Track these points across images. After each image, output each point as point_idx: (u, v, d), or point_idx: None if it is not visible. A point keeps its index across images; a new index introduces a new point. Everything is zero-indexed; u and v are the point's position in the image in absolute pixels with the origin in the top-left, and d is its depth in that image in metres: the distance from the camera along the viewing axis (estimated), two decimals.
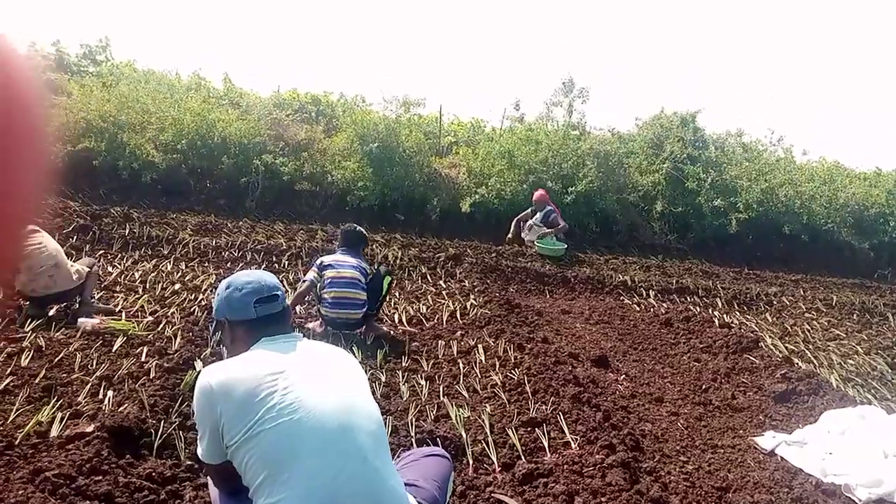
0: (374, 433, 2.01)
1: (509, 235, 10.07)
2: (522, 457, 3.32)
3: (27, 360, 3.82)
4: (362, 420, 1.98)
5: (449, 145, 13.62)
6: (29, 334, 4.25)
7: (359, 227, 5.44)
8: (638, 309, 7.39)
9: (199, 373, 3.71)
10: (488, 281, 7.49)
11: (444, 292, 6.86)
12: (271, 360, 2.01)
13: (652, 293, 8.04)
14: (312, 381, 1.98)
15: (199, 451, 2.03)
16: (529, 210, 10.01)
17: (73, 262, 4.89)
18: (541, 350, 4.98)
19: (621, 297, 7.87)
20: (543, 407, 3.94)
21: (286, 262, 7.32)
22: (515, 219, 10.16)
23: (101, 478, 2.56)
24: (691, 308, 7.45)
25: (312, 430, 1.87)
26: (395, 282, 5.72)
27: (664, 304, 7.64)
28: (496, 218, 10.77)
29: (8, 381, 3.49)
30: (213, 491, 2.22)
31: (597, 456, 3.25)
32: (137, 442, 2.94)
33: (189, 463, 2.84)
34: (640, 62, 42.95)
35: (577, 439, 3.49)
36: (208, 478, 2.32)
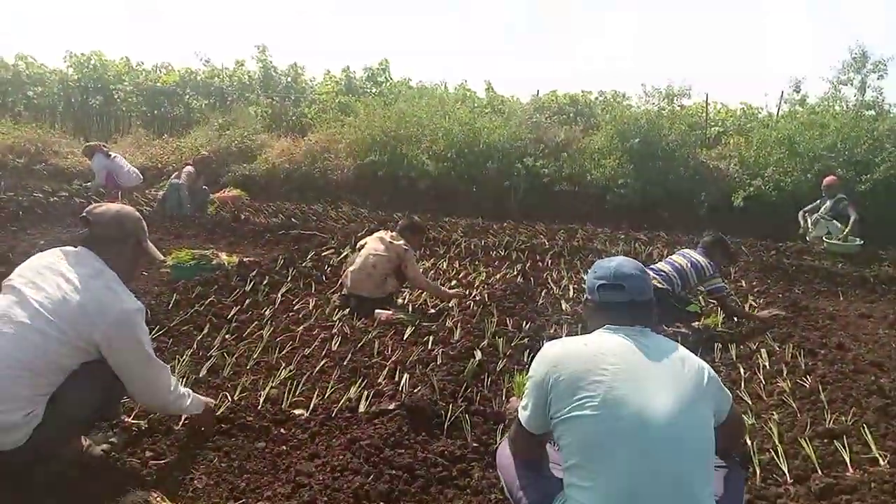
0: (699, 454, 1.92)
1: (801, 230, 9.06)
2: (819, 470, 3.00)
3: (336, 346, 4.44)
4: (689, 437, 1.90)
5: (717, 135, 12.81)
6: (337, 322, 4.93)
7: None
8: None
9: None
10: (768, 281, 6.86)
11: None
12: (607, 348, 2.01)
13: None
14: (644, 381, 1.92)
15: (523, 417, 2.13)
16: (818, 202, 8.96)
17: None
18: (836, 357, 4.45)
19: None
20: (842, 418, 3.52)
21: (549, 261, 7.49)
22: (801, 212, 9.15)
23: (403, 451, 2.88)
24: None
25: (631, 432, 1.85)
26: (700, 315, 5.49)
27: None
28: (774, 212, 9.84)
29: (323, 362, 4.08)
30: (506, 458, 2.36)
31: None
32: (430, 421, 3.24)
33: (475, 445, 3.06)
34: None
35: (886, 455, 3.06)
36: (508, 443, 2.40)
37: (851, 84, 11.38)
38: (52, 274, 2.49)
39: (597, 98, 15.48)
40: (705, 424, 1.97)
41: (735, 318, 5.39)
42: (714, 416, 2.03)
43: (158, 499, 2.45)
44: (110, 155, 10.14)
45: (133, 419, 3.08)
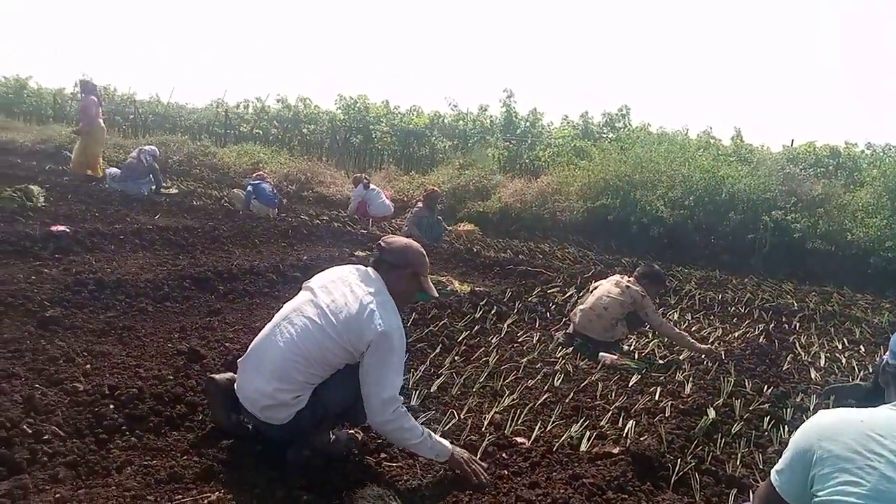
0: None
1: None
2: None
3: (559, 382, 4.43)
4: None
5: None
6: (560, 359, 4.93)
7: None
8: None
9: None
10: None
11: None
12: (888, 430, 1.68)
13: None
14: None
15: (777, 481, 1.83)
16: None
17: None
18: None
19: None
20: None
21: (797, 324, 6.77)
22: None
23: (626, 496, 2.77)
24: None
25: None
26: None
27: None
28: None
29: (545, 396, 4.09)
30: None
31: None
32: (656, 473, 3.08)
33: None
34: None
35: None
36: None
37: None
38: (342, 284, 2.91)
39: (863, 151, 13.86)
40: None
41: None
42: None
43: (390, 497, 2.62)
44: (369, 186, 11.30)
45: None
